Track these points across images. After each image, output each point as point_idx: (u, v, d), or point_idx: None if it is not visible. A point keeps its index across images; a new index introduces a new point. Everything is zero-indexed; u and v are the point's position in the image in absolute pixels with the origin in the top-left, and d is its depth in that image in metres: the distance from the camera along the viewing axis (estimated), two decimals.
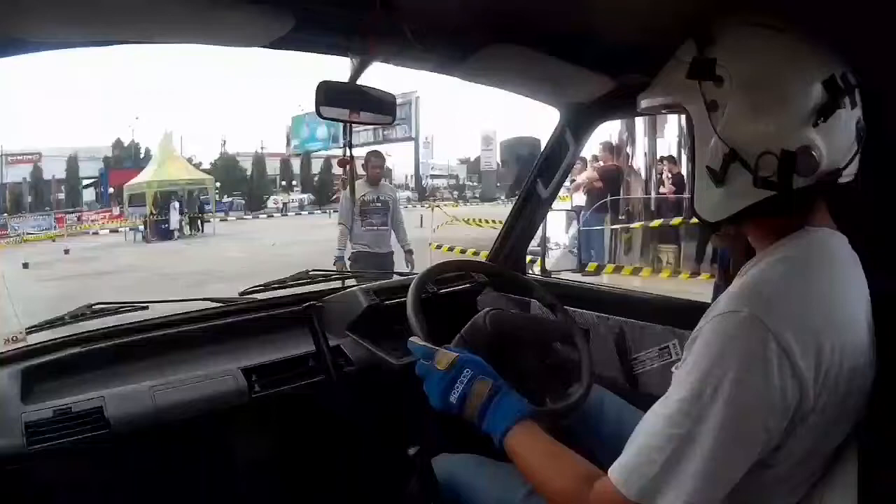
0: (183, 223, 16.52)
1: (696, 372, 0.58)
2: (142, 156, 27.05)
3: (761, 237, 0.69)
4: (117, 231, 17.80)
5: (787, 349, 0.55)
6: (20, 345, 1.10)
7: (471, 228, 8.52)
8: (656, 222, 6.02)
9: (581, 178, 6.15)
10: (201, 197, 19.57)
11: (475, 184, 37.57)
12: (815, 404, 0.57)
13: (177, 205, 16.44)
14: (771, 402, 0.56)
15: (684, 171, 5.18)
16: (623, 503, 0.58)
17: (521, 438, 0.70)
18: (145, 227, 15.99)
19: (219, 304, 1.37)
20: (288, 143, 34.83)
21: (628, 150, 7.02)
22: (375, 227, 3.64)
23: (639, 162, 7.08)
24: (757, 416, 0.56)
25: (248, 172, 30.59)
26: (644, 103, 0.77)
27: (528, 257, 1.71)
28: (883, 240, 0.77)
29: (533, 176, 1.57)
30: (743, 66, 0.64)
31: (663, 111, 0.79)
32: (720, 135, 0.65)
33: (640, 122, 6.89)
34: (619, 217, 6.42)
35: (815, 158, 0.61)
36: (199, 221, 17.85)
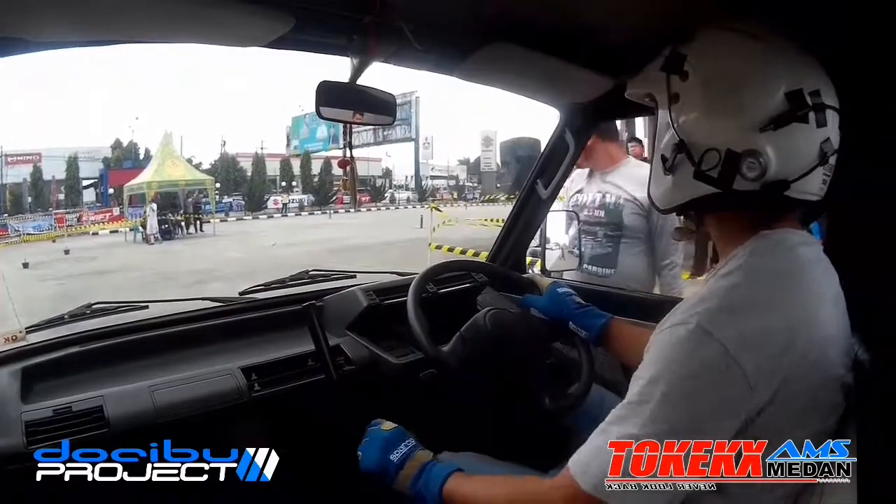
0: (163, 227, 15.82)
1: (648, 378, 0.60)
2: (142, 156, 27.04)
3: (722, 240, 0.70)
4: (117, 231, 17.80)
5: (734, 355, 0.57)
6: (20, 344, 1.10)
7: (472, 228, 8.56)
8: None
9: None
10: (202, 199, 19.49)
11: (475, 184, 37.61)
12: (772, 398, 0.58)
13: (154, 206, 15.66)
14: (720, 405, 0.58)
15: None
16: (578, 493, 0.61)
17: (458, 481, 0.76)
18: (145, 228, 15.95)
19: (219, 304, 1.37)
20: (288, 144, 34.82)
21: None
22: (600, 242, 1.89)
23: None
24: (705, 419, 0.58)
25: (248, 173, 30.57)
26: (628, 91, 0.80)
27: (529, 258, 1.71)
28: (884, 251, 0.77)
29: (533, 176, 1.57)
30: (708, 64, 0.66)
31: (644, 101, 0.80)
32: (675, 126, 0.68)
33: (640, 122, 6.89)
34: None
35: (760, 164, 0.62)
36: (198, 222, 17.77)
